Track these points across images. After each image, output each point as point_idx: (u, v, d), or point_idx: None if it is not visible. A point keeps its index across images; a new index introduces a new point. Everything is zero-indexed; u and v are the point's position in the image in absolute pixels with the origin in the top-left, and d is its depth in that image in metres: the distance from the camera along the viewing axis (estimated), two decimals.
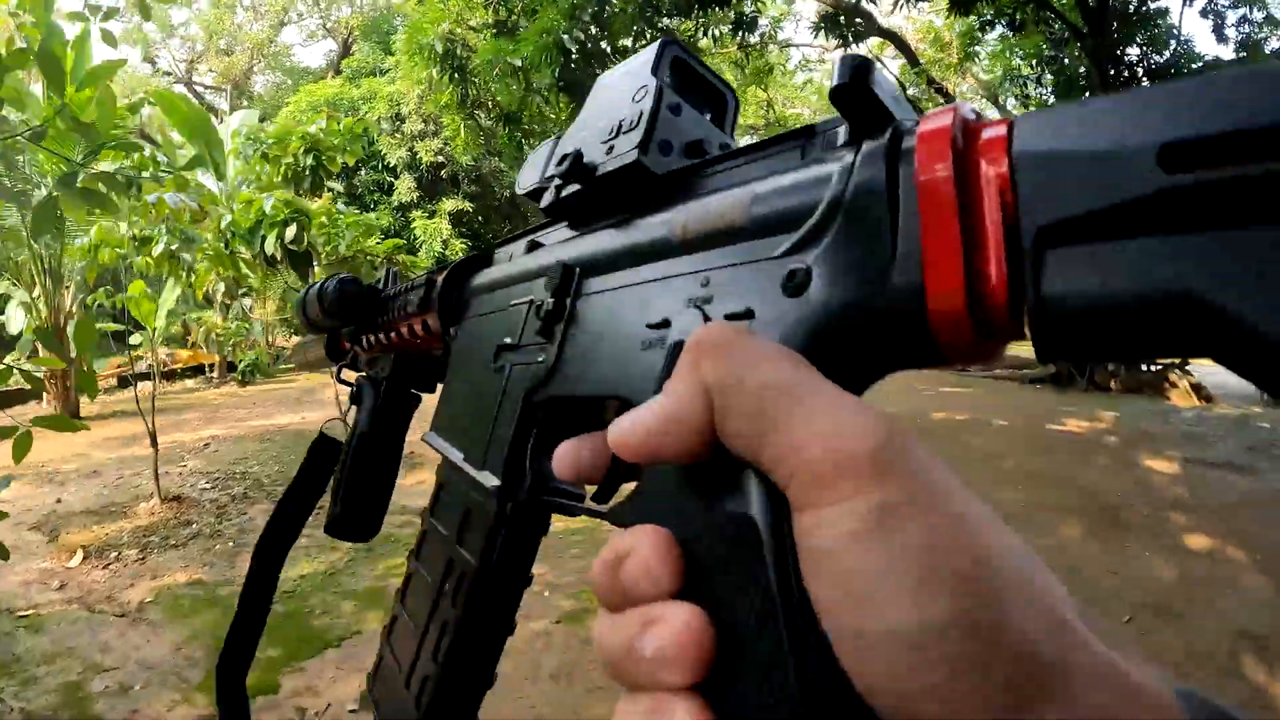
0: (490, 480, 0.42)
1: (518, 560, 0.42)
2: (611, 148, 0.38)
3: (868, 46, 11.88)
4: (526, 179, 0.45)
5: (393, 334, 0.64)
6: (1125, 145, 0.19)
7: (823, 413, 0.21)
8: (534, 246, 0.47)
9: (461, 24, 7.16)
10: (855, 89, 0.25)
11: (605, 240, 0.38)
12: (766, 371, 0.23)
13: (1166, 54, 8.70)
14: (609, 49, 6.16)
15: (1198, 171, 0.17)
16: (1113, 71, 8.18)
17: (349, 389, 0.70)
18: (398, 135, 14.21)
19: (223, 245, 6.20)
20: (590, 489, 0.39)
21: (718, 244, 0.31)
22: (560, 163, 0.40)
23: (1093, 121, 0.20)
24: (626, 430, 0.25)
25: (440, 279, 0.56)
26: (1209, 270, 0.17)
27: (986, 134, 0.23)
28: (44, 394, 4.02)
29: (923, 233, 0.23)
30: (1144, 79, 8.50)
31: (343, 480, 0.67)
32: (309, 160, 7.07)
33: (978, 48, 10.94)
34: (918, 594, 0.18)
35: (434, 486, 0.50)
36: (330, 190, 8.85)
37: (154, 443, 4.58)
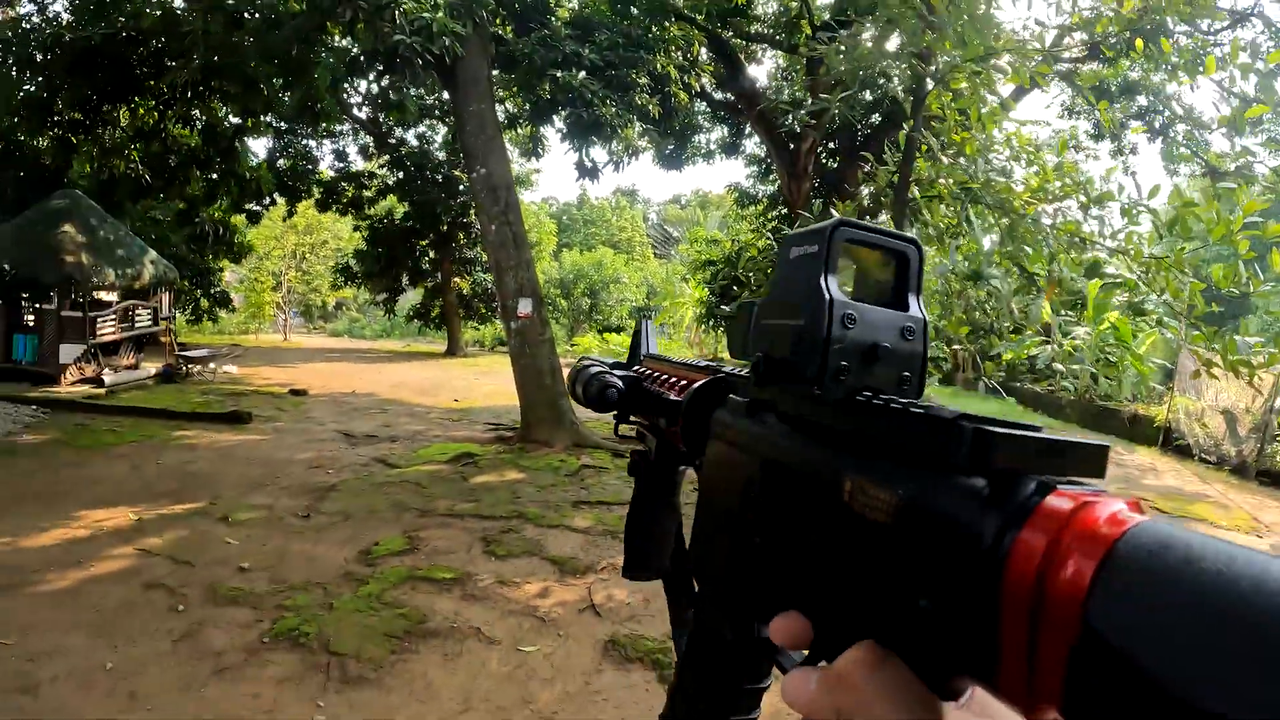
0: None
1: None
2: (787, 362, 0.38)
3: None
4: (734, 343, 0.45)
5: (651, 422, 0.64)
6: None
7: None
8: (757, 409, 0.42)
9: None
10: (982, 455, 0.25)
11: (795, 453, 0.37)
12: None
13: None
14: None
15: None
16: None
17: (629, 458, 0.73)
18: None
19: None
20: None
21: (863, 538, 0.30)
22: (758, 368, 0.41)
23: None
24: None
25: (684, 403, 0.52)
26: None
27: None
28: None
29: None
30: None
31: (628, 534, 0.73)
32: None
33: None
34: None
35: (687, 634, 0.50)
36: None
37: None
